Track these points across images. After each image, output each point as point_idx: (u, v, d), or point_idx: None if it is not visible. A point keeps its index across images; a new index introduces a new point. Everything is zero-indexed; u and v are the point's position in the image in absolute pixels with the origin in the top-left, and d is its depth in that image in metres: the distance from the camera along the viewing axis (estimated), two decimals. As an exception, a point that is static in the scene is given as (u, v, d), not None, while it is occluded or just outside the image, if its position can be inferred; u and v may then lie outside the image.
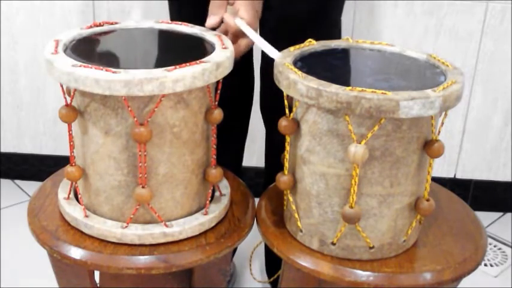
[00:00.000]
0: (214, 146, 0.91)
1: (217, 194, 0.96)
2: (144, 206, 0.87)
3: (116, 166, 0.85)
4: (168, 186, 0.87)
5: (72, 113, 0.85)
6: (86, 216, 0.90)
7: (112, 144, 0.84)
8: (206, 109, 0.88)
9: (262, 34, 1.26)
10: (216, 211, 0.93)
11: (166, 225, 0.88)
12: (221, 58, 0.84)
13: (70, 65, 0.80)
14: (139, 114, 0.81)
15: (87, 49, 0.91)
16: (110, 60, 0.90)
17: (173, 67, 0.79)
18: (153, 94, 0.78)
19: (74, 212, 0.91)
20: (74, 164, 0.89)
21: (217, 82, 0.88)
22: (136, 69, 0.79)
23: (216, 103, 0.89)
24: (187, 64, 0.81)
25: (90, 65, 0.79)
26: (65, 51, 0.86)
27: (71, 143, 0.89)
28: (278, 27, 1.19)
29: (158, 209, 0.88)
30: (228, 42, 0.92)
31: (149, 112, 0.81)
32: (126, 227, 0.88)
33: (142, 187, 0.84)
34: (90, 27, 0.96)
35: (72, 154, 0.89)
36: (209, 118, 0.88)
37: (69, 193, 0.94)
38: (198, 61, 0.82)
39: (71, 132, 0.88)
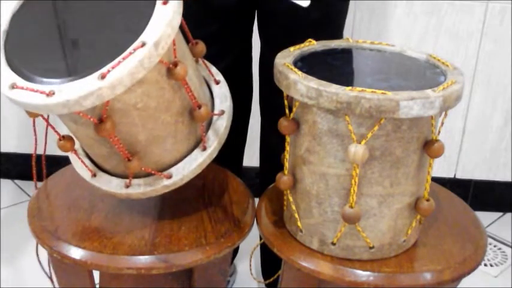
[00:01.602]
0: (191, 92, 0.84)
1: (215, 117, 0.94)
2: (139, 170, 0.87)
3: (97, 143, 0.86)
4: (155, 144, 0.86)
5: None
6: (94, 175, 0.91)
7: (85, 129, 0.84)
8: (166, 69, 0.81)
9: (266, 40, 1.27)
10: (214, 142, 0.90)
11: (166, 177, 0.88)
12: (159, 30, 0.75)
13: (7, 86, 0.77)
14: (94, 113, 0.79)
15: (25, 35, 0.85)
16: (48, 55, 0.83)
17: (106, 69, 0.73)
18: (95, 105, 0.74)
19: (82, 172, 0.92)
20: (62, 138, 0.89)
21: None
22: (69, 76, 0.75)
23: (176, 58, 0.81)
24: (121, 59, 0.73)
25: (24, 86, 0.76)
26: (5, 45, 0.83)
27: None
28: (283, 32, 1.19)
29: (153, 162, 0.87)
30: None
31: (102, 109, 0.78)
32: (129, 186, 0.88)
33: (129, 160, 0.84)
34: None
35: (57, 132, 0.90)
36: (174, 77, 0.81)
37: (75, 152, 0.93)
38: (132, 49, 0.74)
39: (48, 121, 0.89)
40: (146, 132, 0.84)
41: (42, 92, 0.75)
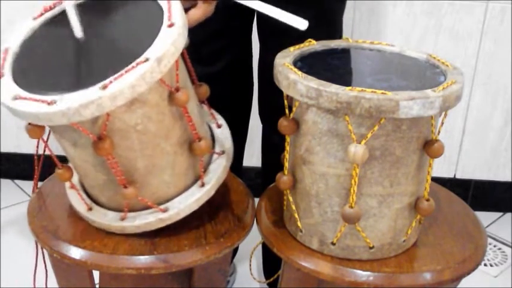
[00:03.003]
0: (191, 122, 0.85)
1: (215, 156, 0.94)
2: (135, 199, 0.86)
3: (94, 170, 0.85)
4: (153, 174, 0.86)
5: (38, 128, 0.83)
6: (89, 209, 0.91)
7: (82, 153, 0.84)
8: (168, 94, 0.81)
9: (263, 39, 1.27)
10: (213, 179, 0.90)
11: (162, 210, 0.87)
12: (164, 47, 0.76)
13: (10, 97, 0.78)
14: (93, 130, 0.79)
15: (34, 58, 0.86)
16: (54, 73, 0.84)
17: (109, 80, 0.74)
18: (95, 116, 0.74)
19: (78, 205, 0.92)
20: (61, 167, 0.89)
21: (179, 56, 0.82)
22: (72, 90, 0.75)
23: (178, 84, 0.82)
24: (124, 72, 0.74)
25: (27, 96, 0.77)
26: (13, 64, 0.84)
27: (48, 149, 0.89)
28: (279, 32, 1.18)
29: (150, 195, 0.87)
30: (177, 13, 0.82)
31: (102, 126, 0.78)
32: (124, 219, 0.88)
33: (125, 187, 0.84)
34: (41, 14, 0.91)
35: (57, 159, 0.89)
36: (174, 103, 0.82)
37: (72, 185, 0.94)
38: (135, 63, 0.75)
39: (46, 142, 0.88)
40: (145, 159, 0.84)
41: (43, 101, 0.75)
